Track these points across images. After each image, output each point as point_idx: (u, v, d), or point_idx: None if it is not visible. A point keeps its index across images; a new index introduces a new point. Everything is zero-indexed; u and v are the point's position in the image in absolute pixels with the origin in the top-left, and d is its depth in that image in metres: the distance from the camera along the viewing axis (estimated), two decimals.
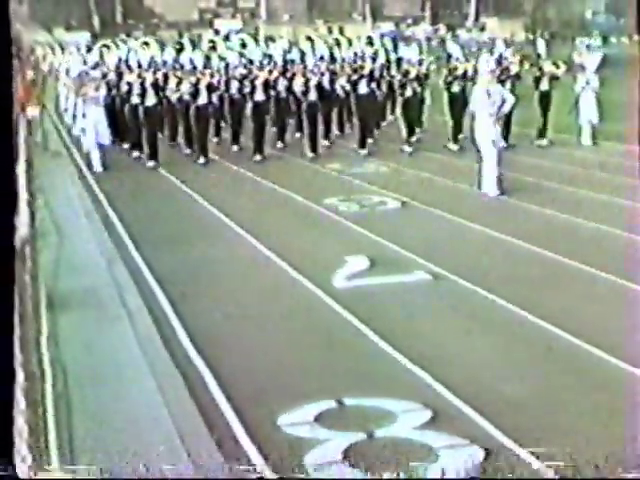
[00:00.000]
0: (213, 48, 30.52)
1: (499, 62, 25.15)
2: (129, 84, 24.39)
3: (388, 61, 27.00)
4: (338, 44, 31.02)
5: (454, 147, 23.94)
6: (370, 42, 34.02)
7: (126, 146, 25.41)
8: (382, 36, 36.14)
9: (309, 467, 6.54)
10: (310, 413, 7.49)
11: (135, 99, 23.81)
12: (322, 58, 25.35)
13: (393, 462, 6.43)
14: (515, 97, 18.66)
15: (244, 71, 26.63)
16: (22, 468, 5.86)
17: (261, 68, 24.53)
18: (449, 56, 25.16)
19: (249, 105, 23.81)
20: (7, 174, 5.82)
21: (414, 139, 24.31)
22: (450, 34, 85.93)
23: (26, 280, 10.17)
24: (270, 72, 24.26)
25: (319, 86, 23.49)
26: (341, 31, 66.39)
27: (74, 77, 26.62)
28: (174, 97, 24.95)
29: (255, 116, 23.52)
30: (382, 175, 20.83)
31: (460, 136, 23.93)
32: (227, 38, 38.76)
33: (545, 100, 24.16)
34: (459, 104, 24.16)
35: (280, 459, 6.59)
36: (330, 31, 72.33)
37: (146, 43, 30.73)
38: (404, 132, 24.16)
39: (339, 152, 24.35)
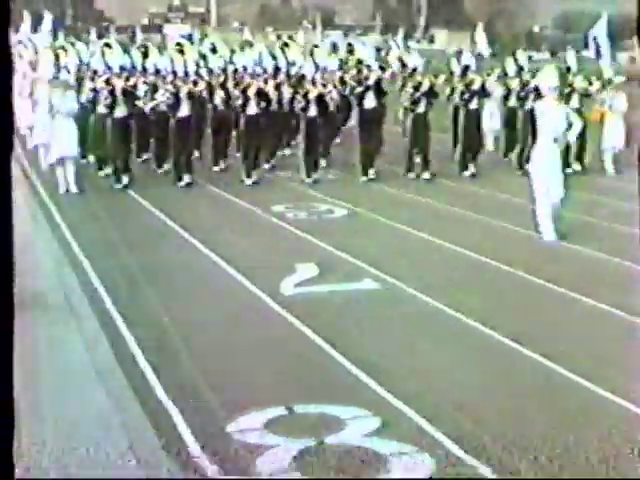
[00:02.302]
0: (181, 52, 26.02)
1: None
2: (95, 91, 19.74)
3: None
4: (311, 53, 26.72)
5: (471, 172, 19.79)
6: (351, 50, 29.86)
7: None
8: (364, 43, 31.81)
9: (259, 473, 6.21)
10: (259, 420, 7.13)
11: (102, 109, 19.15)
12: (317, 67, 20.94)
13: (343, 469, 6.18)
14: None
15: (223, 79, 22.22)
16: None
17: (254, 76, 19.97)
18: (466, 67, 20.91)
19: (241, 119, 19.09)
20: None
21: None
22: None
23: None
24: (266, 81, 19.76)
25: (319, 99, 18.94)
26: (291, 39, 61.59)
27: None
28: (148, 107, 20.37)
29: (249, 131, 18.91)
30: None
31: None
32: (191, 42, 34.25)
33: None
34: (477, 123, 20.02)
35: (229, 465, 6.25)
36: (279, 38, 68.40)
37: (107, 45, 26.12)
38: (415, 154, 19.80)
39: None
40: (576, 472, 6.14)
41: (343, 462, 6.29)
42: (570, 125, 13.91)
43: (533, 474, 6.12)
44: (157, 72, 21.30)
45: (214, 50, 27.71)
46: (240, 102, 18.83)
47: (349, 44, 30.15)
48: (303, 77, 20.64)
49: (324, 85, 19.41)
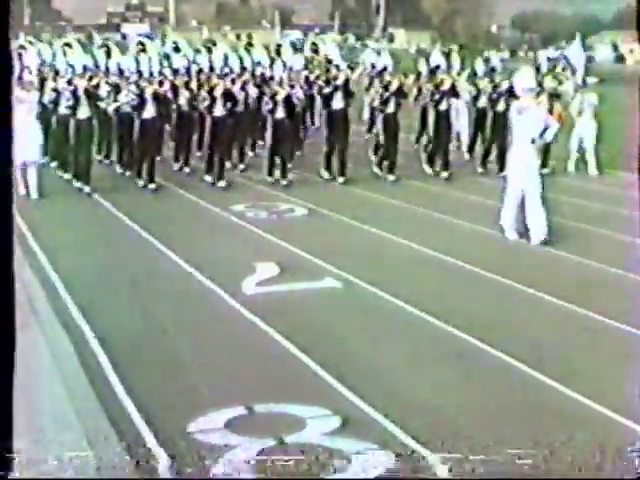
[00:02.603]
0: (143, 51, 25.51)
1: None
2: (57, 91, 19.16)
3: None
4: (278, 53, 26.26)
5: (444, 174, 19.40)
6: (315, 50, 29.45)
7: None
8: (323, 42, 31.36)
9: (220, 473, 6.16)
10: (220, 420, 7.08)
11: (64, 110, 18.53)
12: (284, 66, 20.50)
13: (303, 468, 6.09)
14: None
15: (187, 79, 21.68)
16: None
17: (221, 76, 19.47)
18: (437, 67, 20.54)
19: (207, 120, 18.55)
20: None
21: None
22: (359, 43, 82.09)
23: None
24: (233, 81, 19.26)
25: (287, 100, 18.46)
26: (250, 38, 61.32)
27: None
28: (111, 108, 19.79)
29: (216, 133, 18.37)
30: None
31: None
32: (150, 40, 33.68)
33: None
34: (447, 125, 19.64)
35: (191, 465, 6.15)
36: (238, 38, 67.74)
37: (68, 44, 25.55)
38: (385, 155, 19.38)
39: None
40: (545, 472, 6.05)
41: (304, 461, 6.20)
42: (546, 127, 13.61)
43: (499, 474, 6.05)
44: (121, 72, 20.73)
45: (177, 49, 27.22)
46: (207, 103, 18.30)
47: (313, 43, 29.72)
48: (272, 77, 20.16)
49: (292, 86, 18.97)
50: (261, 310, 10.00)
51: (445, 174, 19.41)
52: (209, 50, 25.74)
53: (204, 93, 18.68)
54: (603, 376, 8.14)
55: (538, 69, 20.80)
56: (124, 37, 69.43)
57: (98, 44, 27.95)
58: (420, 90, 21.16)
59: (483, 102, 20.50)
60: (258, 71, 23.22)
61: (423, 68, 22.39)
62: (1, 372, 5.79)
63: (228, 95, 18.41)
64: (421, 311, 9.99)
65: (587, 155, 20.12)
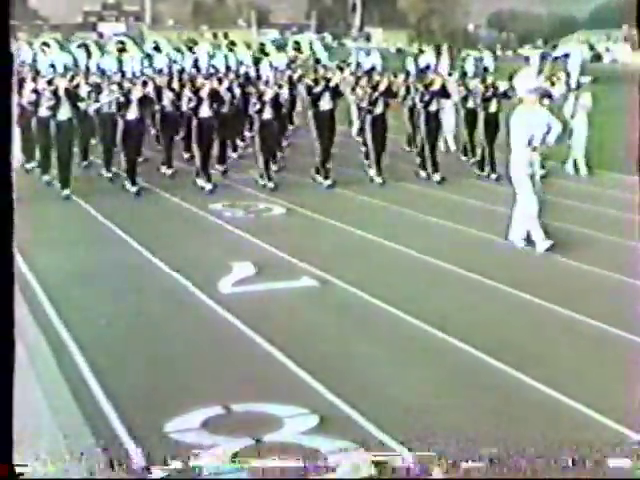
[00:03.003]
0: (123, 50, 24.75)
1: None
2: (36, 92, 18.47)
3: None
4: (263, 52, 25.59)
5: (437, 177, 18.82)
6: (298, 48, 28.74)
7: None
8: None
9: (197, 474, 6.05)
10: (197, 419, 6.97)
11: (44, 111, 17.87)
12: (271, 66, 19.88)
13: (282, 467, 6.03)
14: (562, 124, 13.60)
15: (168, 79, 21.01)
16: None
17: (208, 76, 18.84)
18: (427, 67, 19.95)
19: (193, 121, 17.87)
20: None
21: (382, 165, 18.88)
22: (336, 42, 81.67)
23: None
24: (220, 81, 18.62)
25: (275, 100, 17.85)
26: (226, 37, 60.91)
27: None
28: (92, 109, 19.13)
29: (201, 134, 17.74)
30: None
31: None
32: (134, 41, 32.91)
33: None
34: (436, 127, 19.09)
35: (167, 465, 6.05)
36: (215, 37, 67.14)
37: (45, 44, 24.76)
38: (372, 156, 18.78)
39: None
40: (543, 474, 5.97)
41: (282, 460, 6.14)
42: (549, 129, 13.00)
43: (482, 474, 5.97)
44: (102, 72, 20.05)
45: (157, 49, 26.48)
46: (193, 104, 17.64)
47: (296, 42, 29.04)
48: (259, 77, 19.56)
49: (279, 86, 18.38)
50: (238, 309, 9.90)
51: (437, 177, 18.82)
52: (190, 50, 25.04)
53: (190, 93, 18.01)
54: (600, 381, 7.91)
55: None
56: (101, 36, 68.64)
57: (77, 43, 27.19)
58: (408, 89, 20.60)
59: (472, 103, 19.96)
60: (242, 70, 22.61)
61: (411, 67, 21.68)
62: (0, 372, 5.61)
63: (214, 95, 17.79)
64: (399, 310, 9.84)
65: (578, 156, 19.69)
